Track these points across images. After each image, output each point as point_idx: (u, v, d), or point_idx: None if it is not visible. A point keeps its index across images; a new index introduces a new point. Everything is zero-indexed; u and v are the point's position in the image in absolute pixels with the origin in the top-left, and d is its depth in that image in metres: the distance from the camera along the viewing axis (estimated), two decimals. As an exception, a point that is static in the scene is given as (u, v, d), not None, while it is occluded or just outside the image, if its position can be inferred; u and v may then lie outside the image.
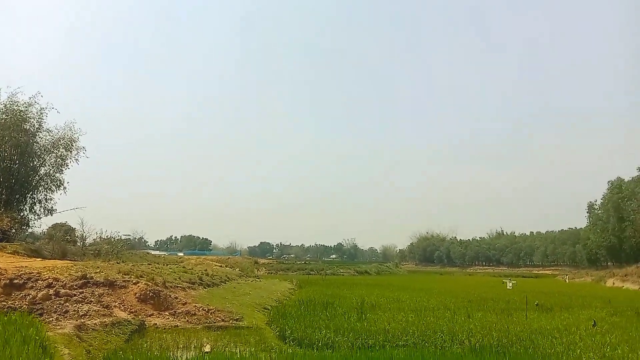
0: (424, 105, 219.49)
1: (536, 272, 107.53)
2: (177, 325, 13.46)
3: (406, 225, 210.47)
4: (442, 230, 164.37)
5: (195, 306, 15.78)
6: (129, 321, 11.95)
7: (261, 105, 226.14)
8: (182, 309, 15.34)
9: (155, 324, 13.37)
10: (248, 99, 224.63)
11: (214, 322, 14.42)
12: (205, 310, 15.54)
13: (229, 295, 20.99)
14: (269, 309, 18.93)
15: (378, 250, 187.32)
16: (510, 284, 41.55)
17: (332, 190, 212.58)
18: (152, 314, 14.39)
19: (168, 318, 14.34)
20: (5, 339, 5.90)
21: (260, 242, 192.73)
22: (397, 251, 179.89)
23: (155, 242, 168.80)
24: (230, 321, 14.87)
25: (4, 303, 12.73)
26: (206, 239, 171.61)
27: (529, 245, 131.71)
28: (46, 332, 8.07)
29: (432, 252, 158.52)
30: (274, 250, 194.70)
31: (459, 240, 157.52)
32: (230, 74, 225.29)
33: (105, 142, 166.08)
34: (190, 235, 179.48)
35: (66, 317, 11.74)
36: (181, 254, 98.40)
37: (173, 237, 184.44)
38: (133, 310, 14.23)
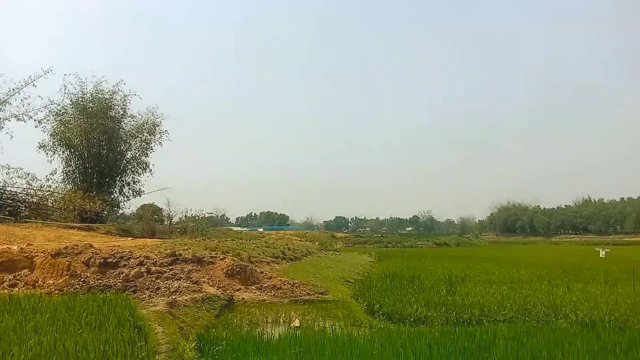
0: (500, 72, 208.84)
1: (627, 239, 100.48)
2: (264, 300, 13.47)
3: (485, 196, 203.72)
4: (523, 199, 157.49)
5: (280, 280, 15.80)
6: (218, 296, 12.05)
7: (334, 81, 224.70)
8: (268, 283, 15.40)
9: (243, 298, 13.45)
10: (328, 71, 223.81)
11: (300, 296, 14.32)
12: (290, 284, 15.50)
13: (311, 269, 20.98)
14: (352, 282, 18.67)
15: (455, 222, 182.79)
16: (604, 252, 38.92)
17: (406, 162, 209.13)
18: (240, 289, 14.53)
19: (255, 292, 14.42)
20: (100, 322, 5.92)
21: (336, 217, 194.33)
22: (476, 222, 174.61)
23: (236, 218, 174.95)
24: (316, 295, 14.73)
25: (100, 281, 13.27)
26: (284, 215, 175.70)
27: (620, 212, 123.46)
28: (140, 309, 8.19)
29: (513, 222, 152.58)
30: (349, 224, 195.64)
31: (542, 209, 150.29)
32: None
33: (186, 125, 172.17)
34: (268, 212, 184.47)
35: (158, 294, 12.03)
36: (261, 230, 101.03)
37: (252, 214, 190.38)
38: (221, 285, 14.43)
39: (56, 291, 12.96)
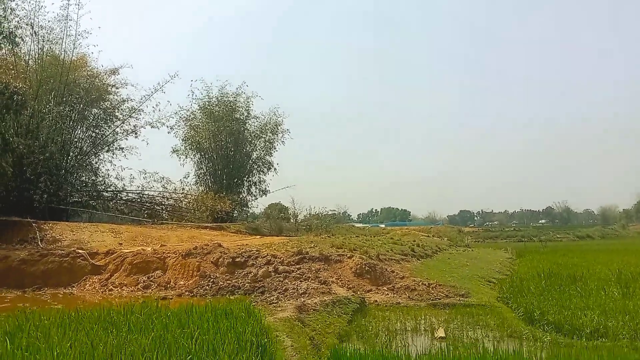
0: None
1: None
2: (398, 302, 12.18)
3: (629, 181, 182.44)
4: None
5: (414, 280, 14.40)
6: (348, 299, 11.02)
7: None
8: (401, 284, 14.08)
9: (376, 300, 12.29)
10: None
11: (438, 299, 12.81)
12: (425, 284, 14.03)
13: (445, 267, 19.25)
14: (494, 282, 16.66)
15: (595, 212, 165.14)
16: None
17: (536, 148, 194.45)
18: (371, 290, 13.40)
19: (387, 294, 13.19)
20: (214, 347, 5.05)
21: (460, 211, 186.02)
22: (620, 212, 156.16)
23: (358, 215, 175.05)
24: (456, 297, 13.11)
25: (229, 282, 12.95)
26: (405, 210, 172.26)
27: None
28: (267, 317, 7.39)
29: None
30: (475, 218, 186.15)
31: None
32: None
33: (305, 123, 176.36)
34: (389, 207, 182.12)
35: (286, 296, 11.32)
36: (382, 225, 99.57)
37: (373, 210, 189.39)
38: (350, 285, 13.43)
39: (186, 293, 12.87)
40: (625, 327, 8.53)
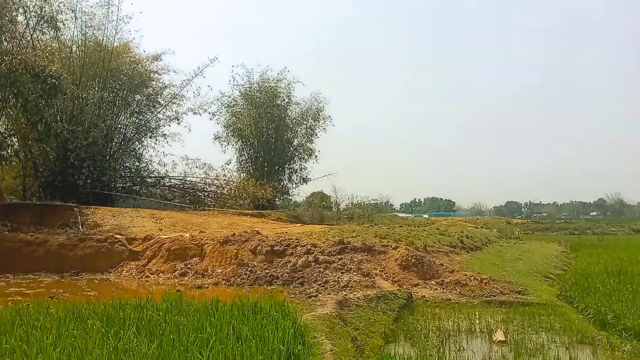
0: None
1: None
2: (448, 299, 11.21)
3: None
4: None
5: (464, 274, 13.35)
6: (394, 294, 10.13)
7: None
8: (450, 278, 13.07)
9: (424, 296, 11.35)
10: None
11: (492, 295, 11.74)
12: (477, 279, 12.98)
13: (497, 260, 18.04)
14: (552, 278, 15.41)
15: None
16: None
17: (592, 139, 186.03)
18: (418, 284, 12.46)
19: (436, 289, 12.22)
20: (241, 354, 4.23)
21: (507, 202, 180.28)
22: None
23: (400, 205, 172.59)
24: (513, 294, 12.01)
25: (267, 271, 12.31)
26: (449, 200, 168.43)
27: None
28: (304, 314, 6.61)
29: None
30: (523, 210, 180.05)
31: None
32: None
33: (346, 111, 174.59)
34: (433, 197, 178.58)
35: (326, 288, 10.56)
36: (426, 216, 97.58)
37: (417, 200, 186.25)
38: (395, 279, 12.54)
39: (223, 281, 12.33)
40: None
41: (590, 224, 77.46)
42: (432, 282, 12.69)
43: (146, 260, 14.79)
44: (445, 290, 12.07)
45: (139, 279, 13.68)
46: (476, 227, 37.41)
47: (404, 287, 11.91)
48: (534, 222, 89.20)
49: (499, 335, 7.94)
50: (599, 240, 38.63)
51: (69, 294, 10.50)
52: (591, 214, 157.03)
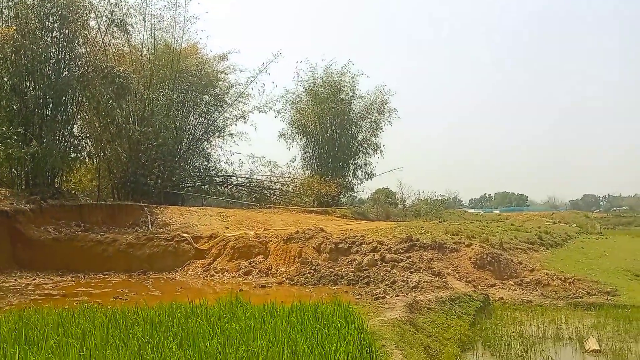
0: None
1: None
2: (530, 301, 10.27)
3: None
4: None
5: (546, 273, 12.27)
6: (469, 295, 9.35)
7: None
8: (530, 277, 12.05)
9: (501, 297, 10.47)
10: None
11: (579, 297, 10.69)
12: (560, 279, 11.88)
13: (580, 258, 16.63)
14: (645, 278, 13.94)
15: None
16: None
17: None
18: (494, 284, 11.56)
19: (514, 289, 11.27)
20: None
21: (584, 195, 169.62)
22: None
23: (470, 200, 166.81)
24: (601, 295, 10.89)
25: (331, 270, 11.86)
26: (522, 195, 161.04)
27: None
28: (371, 319, 6.04)
29: None
30: (601, 203, 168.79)
31: None
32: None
33: (415, 103, 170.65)
34: (504, 192, 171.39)
35: (394, 289, 9.93)
36: (497, 211, 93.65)
37: (487, 195, 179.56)
38: (469, 279, 11.69)
39: (287, 280, 12.01)
40: None
41: (680, 217, 71.35)
42: (510, 282, 11.74)
43: (212, 258, 14.76)
44: (525, 291, 11.12)
45: (204, 277, 13.65)
46: (553, 222, 35.19)
47: (479, 287, 11.07)
48: (615, 215, 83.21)
49: (592, 344, 7.02)
50: (695, 235, 35.19)
51: (133, 294, 10.51)
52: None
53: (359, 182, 35.54)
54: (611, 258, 17.43)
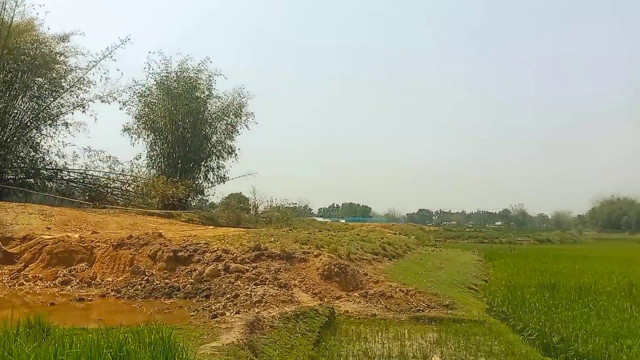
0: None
1: None
2: (374, 314, 10.01)
3: (583, 188, 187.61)
4: (629, 192, 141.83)
5: (390, 286, 12.26)
6: (315, 310, 8.73)
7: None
8: (375, 289, 11.92)
9: (347, 311, 10.07)
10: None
11: (420, 310, 10.72)
12: (403, 291, 11.93)
13: (419, 269, 17.27)
14: (475, 289, 14.82)
15: (549, 217, 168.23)
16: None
17: (494, 153, 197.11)
18: (340, 296, 11.17)
19: (360, 302, 10.99)
20: None
21: (419, 209, 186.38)
22: (573, 217, 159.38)
23: (319, 209, 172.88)
24: (441, 308, 11.06)
25: (167, 281, 10.52)
26: (366, 206, 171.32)
27: None
28: (198, 349, 4.94)
29: (618, 218, 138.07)
30: (433, 218, 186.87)
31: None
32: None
33: (270, 112, 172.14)
34: (350, 203, 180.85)
35: (236, 304, 8.95)
36: (343, 221, 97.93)
37: (335, 205, 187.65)
38: (316, 290, 11.17)
39: (112, 292, 10.35)
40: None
41: (497, 233, 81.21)
42: (356, 294, 11.47)
43: (23, 264, 12.49)
44: (369, 304, 10.87)
45: (10, 286, 11.42)
46: (394, 233, 37.19)
47: (325, 299, 10.59)
48: (445, 229, 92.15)
49: (436, 362, 6.79)
50: (510, 249, 39.77)
51: None
52: (496, 223, 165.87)
53: (211, 185, 34.00)
54: (446, 270, 18.41)
